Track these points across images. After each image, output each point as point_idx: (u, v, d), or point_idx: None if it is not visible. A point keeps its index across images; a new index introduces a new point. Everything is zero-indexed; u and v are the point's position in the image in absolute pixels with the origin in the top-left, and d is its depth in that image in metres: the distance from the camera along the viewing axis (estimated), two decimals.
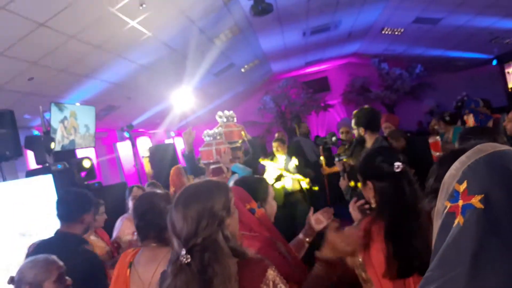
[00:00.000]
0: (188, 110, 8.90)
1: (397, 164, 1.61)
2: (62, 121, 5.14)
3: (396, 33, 9.97)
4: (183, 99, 8.29)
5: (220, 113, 4.00)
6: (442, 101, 11.70)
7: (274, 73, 12.63)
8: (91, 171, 5.01)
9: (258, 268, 1.28)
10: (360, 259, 1.61)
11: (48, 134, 4.70)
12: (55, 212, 2.36)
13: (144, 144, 9.92)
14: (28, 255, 2.19)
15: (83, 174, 4.95)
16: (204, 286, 1.19)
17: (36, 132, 6.31)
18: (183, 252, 1.21)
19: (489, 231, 0.68)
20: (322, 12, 7.58)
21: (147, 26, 5.36)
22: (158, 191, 2.14)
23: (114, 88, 6.74)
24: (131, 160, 9.91)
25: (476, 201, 0.71)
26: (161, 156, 6.71)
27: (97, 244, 3.02)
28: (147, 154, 8.58)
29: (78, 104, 5.91)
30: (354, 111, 3.66)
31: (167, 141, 10.89)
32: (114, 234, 3.38)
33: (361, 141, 3.52)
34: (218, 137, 3.63)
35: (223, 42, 7.62)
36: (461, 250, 0.70)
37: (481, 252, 0.68)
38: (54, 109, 4.99)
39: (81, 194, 2.33)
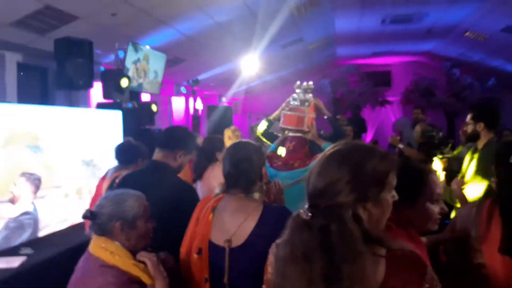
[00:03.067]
0: (248, 78, 8.77)
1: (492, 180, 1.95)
2: (135, 62, 5.12)
3: (479, 38, 9.35)
4: (247, 65, 8.15)
5: (298, 83, 3.70)
6: (506, 122, 10.99)
7: (337, 57, 12.24)
8: (153, 116, 5.00)
9: (415, 267, 1.06)
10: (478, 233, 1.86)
11: (122, 71, 4.68)
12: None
13: (196, 105, 9.90)
14: (114, 187, 2.10)
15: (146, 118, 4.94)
16: (323, 251, 1.00)
17: (103, 69, 6.36)
18: (305, 206, 1.08)
19: None
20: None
21: None
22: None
23: (184, 40, 6.66)
24: (181, 115, 9.97)
25: None
26: (218, 117, 6.62)
27: None
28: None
29: (149, 48, 5.87)
30: (472, 104, 3.35)
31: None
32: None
33: (474, 137, 3.20)
34: (307, 104, 3.32)
35: (300, 13, 7.36)
36: None
37: None
38: (130, 48, 4.97)
39: (187, 131, 2.24)
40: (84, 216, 1.53)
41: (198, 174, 3.17)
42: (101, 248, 1.48)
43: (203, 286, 1.66)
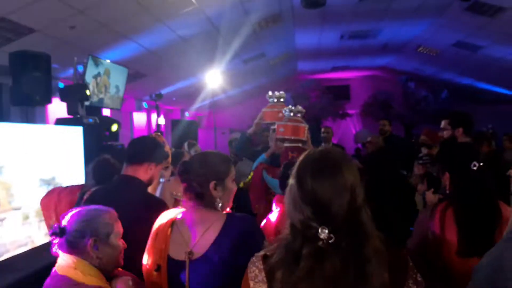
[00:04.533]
0: (212, 92, 8.74)
1: (474, 163, 1.89)
2: (95, 77, 4.98)
3: (432, 53, 9.83)
4: (210, 79, 8.13)
5: (270, 93, 3.82)
6: None
7: (298, 71, 12.49)
8: (116, 133, 4.85)
9: (402, 259, 1.09)
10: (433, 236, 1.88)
11: (83, 85, 4.52)
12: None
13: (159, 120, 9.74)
14: (82, 203, 1.97)
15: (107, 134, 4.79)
16: (356, 273, 0.98)
17: (61, 84, 6.13)
18: (325, 230, 1.00)
19: None
20: (368, 17, 7.42)
21: None
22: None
23: (146, 54, 6.57)
24: (143, 131, 9.77)
25: None
26: (183, 131, 6.53)
27: None
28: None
29: (109, 62, 5.73)
30: (450, 112, 3.56)
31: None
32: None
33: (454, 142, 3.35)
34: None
35: (262, 29, 7.46)
36: None
37: None
38: (90, 62, 4.83)
39: (154, 141, 2.14)
40: (53, 233, 1.43)
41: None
42: (70, 268, 1.40)
43: None
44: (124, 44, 5.87)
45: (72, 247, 1.43)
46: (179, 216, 1.66)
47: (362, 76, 13.45)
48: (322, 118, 12.11)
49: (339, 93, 13.24)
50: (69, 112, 4.37)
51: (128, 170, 2.03)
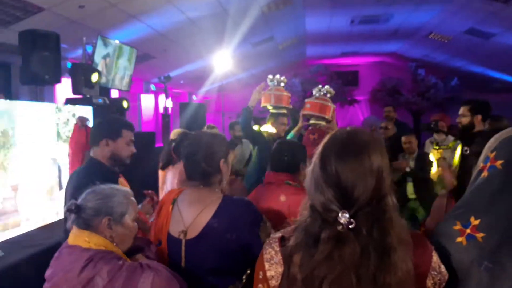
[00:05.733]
0: (221, 75, 8.70)
1: (465, 148, 1.92)
2: (104, 57, 4.97)
3: (443, 40, 9.67)
4: (219, 62, 8.08)
5: (270, 76, 3.89)
6: None
7: (307, 57, 12.37)
8: (124, 114, 4.86)
9: (426, 249, 1.04)
10: None
11: (91, 66, 4.52)
12: None
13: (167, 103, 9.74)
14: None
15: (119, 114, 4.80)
16: (378, 261, 0.94)
17: (69, 64, 6.14)
18: (346, 214, 0.95)
19: (502, 183, 1.14)
20: (380, 1, 7.29)
21: None
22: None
23: (155, 36, 6.53)
24: (151, 113, 9.79)
25: (498, 164, 1.17)
26: (192, 115, 6.53)
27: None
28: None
29: (118, 42, 5.71)
30: (468, 99, 3.57)
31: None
32: (167, 187, 3.17)
33: (469, 129, 3.35)
34: (329, 95, 3.51)
35: (271, 11, 7.37)
36: (482, 192, 1.17)
37: (495, 193, 1.14)
38: (99, 42, 4.81)
39: (107, 118, 2.25)
40: (69, 209, 1.44)
41: (164, 164, 3.17)
42: (84, 241, 1.41)
43: None
44: (133, 24, 5.84)
45: (86, 225, 1.45)
46: (181, 195, 1.69)
47: (371, 62, 13.31)
48: None
49: (348, 79, 13.12)
50: (73, 91, 4.37)
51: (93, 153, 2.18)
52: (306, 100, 3.51)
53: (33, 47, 4.10)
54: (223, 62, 8.16)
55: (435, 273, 1.03)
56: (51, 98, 5.64)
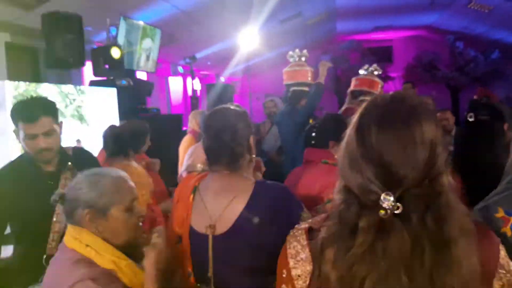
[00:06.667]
0: (247, 55, 8.52)
1: (470, 114, 1.89)
2: (128, 39, 4.88)
3: (483, 10, 9.06)
4: (245, 42, 7.90)
5: (291, 52, 3.77)
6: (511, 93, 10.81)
7: (338, 32, 11.95)
8: (151, 96, 4.80)
9: (492, 241, 0.84)
10: None
11: (110, 46, 4.45)
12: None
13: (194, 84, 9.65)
14: None
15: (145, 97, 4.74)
16: (435, 256, 0.75)
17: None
18: (390, 197, 0.76)
19: None
20: None
21: None
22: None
23: (180, 15, 6.40)
24: (180, 96, 9.76)
25: None
26: (218, 95, 6.41)
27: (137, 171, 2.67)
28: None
29: (143, 23, 5.61)
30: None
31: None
32: (186, 163, 3.06)
33: None
34: (376, 73, 3.67)
35: None
36: None
37: None
38: (122, 24, 4.73)
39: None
40: (53, 200, 1.27)
41: None
42: (75, 240, 1.23)
43: (187, 281, 1.40)
44: (157, 4, 5.72)
45: (69, 218, 1.28)
46: (203, 182, 1.44)
47: (406, 36, 12.72)
48: None
49: (381, 54, 12.60)
50: (95, 73, 4.32)
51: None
52: (353, 78, 3.61)
53: (56, 30, 4.06)
54: (249, 41, 7.97)
55: (504, 271, 0.82)
56: (79, 81, 5.65)
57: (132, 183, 1.35)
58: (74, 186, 1.28)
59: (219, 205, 1.35)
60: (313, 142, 2.01)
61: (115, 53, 4.27)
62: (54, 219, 1.73)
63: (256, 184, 1.37)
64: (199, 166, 2.86)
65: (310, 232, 0.90)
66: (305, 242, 0.89)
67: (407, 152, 0.77)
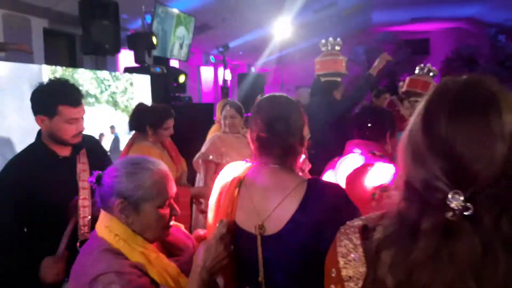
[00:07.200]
0: (280, 45, 8.42)
1: None
2: (162, 26, 4.88)
3: None
4: (278, 31, 7.80)
5: (323, 41, 3.62)
6: None
7: (372, 24, 11.65)
8: (183, 84, 4.79)
9: None
10: None
11: (149, 34, 4.46)
12: None
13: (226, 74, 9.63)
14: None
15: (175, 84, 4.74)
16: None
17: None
18: (460, 197, 0.66)
19: None
20: None
21: None
22: None
23: (214, 3, 6.36)
24: (210, 86, 9.78)
25: None
26: (250, 85, 6.36)
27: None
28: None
29: (177, 11, 5.60)
30: None
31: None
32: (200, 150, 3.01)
33: None
34: (431, 74, 3.71)
35: None
36: None
37: None
38: (158, 11, 4.72)
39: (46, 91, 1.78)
40: (90, 181, 1.21)
41: None
42: (105, 228, 1.18)
43: (231, 286, 1.29)
44: None
45: (102, 203, 1.22)
46: (249, 175, 1.30)
47: (444, 28, 12.25)
48: (397, 75, 11.30)
49: (418, 47, 12.22)
50: (136, 60, 4.35)
51: None
52: (408, 77, 3.61)
53: (92, 16, 4.10)
54: (282, 31, 7.86)
55: None
56: (114, 68, 5.72)
57: (172, 180, 1.27)
58: (111, 173, 1.21)
59: (268, 203, 1.23)
60: (367, 133, 1.90)
61: (153, 40, 4.28)
62: (80, 204, 1.71)
63: (309, 183, 1.24)
64: (211, 158, 2.83)
65: (364, 231, 0.81)
66: (358, 242, 0.81)
67: (482, 145, 0.66)
